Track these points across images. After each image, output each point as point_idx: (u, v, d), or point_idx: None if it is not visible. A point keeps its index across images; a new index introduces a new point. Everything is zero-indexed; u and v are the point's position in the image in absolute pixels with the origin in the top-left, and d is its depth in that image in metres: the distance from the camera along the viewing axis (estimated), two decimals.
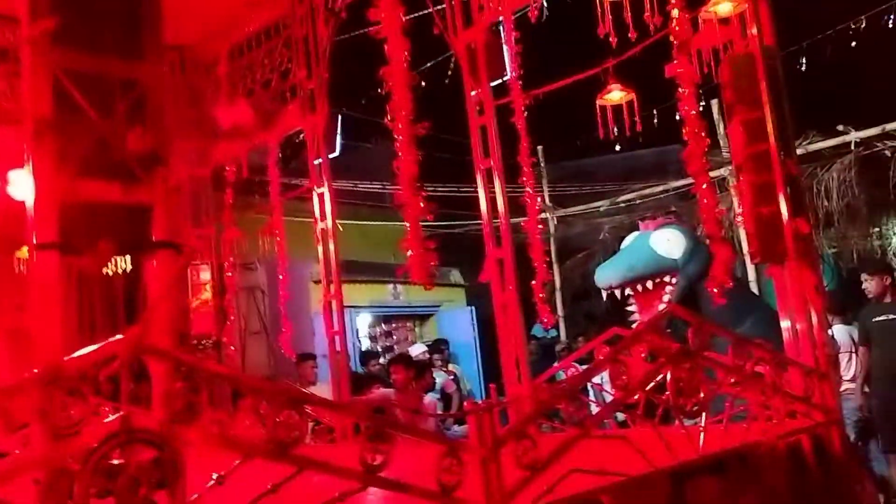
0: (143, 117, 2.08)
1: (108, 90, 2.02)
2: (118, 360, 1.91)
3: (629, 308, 6.58)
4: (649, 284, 6.36)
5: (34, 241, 1.86)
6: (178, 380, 2.00)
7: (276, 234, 7.68)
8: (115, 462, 1.87)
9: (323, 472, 2.25)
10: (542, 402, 2.80)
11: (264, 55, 7.39)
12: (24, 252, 8.64)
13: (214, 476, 2.07)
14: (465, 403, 2.69)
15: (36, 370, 1.86)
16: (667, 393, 3.36)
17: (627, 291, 6.45)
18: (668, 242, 6.49)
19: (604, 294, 6.78)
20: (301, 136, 7.44)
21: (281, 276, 7.81)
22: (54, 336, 1.85)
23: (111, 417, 1.90)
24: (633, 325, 6.49)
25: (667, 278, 6.37)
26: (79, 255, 1.92)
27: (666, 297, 6.27)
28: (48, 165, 1.87)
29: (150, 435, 1.92)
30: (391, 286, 12.76)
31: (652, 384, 3.35)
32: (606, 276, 6.56)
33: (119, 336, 2.01)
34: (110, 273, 7.44)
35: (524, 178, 5.73)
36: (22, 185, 7.12)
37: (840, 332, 6.45)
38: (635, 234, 7.04)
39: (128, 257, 7.27)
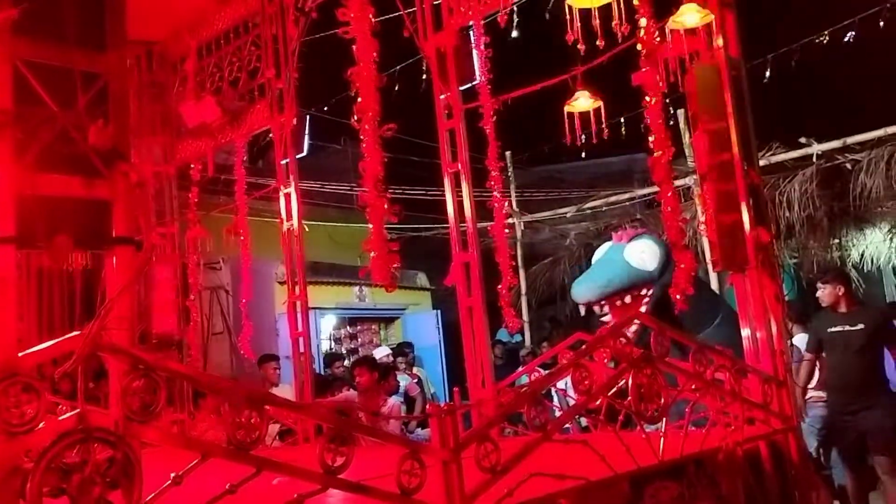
0: (106, 111, 2.04)
1: (69, 82, 1.98)
2: (75, 356, 1.87)
3: (604, 320, 6.61)
4: (627, 299, 6.39)
5: None
6: (135, 378, 1.97)
7: (240, 233, 7.61)
8: (70, 461, 1.84)
9: (282, 473, 2.23)
10: (504, 406, 2.80)
11: (233, 53, 7.32)
12: None
13: (171, 476, 2.04)
14: (427, 406, 2.69)
15: None
16: (628, 398, 3.40)
17: (606, 306, 6.47)
18: (643, 254, 6.53)
19: (582, 309, 6.81)
20: (268, 135, 7.39)
21: (244, 277, 7.74)
22: (9, 331, 1.81)
23: (67, 415, 1.86)
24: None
25: (644, 291, 6.40)
26: (35, 249, 1.88)
27: (642, 309, 6.31)
28: (6, 157, 1.83)
29: (106, 434, 1.89)
30: (356, 288, 12.72)
31: (614, 389, 3.38)
32: (583, 291, 6.57)
33: (76, 332, 1.98)
34: (70, 269, 7.31)
35: (492, 183, 5.75)
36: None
37: (802, 340, 6.55)
38: (608, 245, 7.06)
39: (88, 253, 7.14)
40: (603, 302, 6.44)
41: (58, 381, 2.00)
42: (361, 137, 4.54)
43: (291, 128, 7.08)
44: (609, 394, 3.35)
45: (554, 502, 2.96)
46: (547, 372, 3.45)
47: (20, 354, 1.90)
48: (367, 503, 2.47)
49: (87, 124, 1.98)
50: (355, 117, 4.64)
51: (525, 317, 12.51)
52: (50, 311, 8.43)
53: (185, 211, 8.01)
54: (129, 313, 1.95)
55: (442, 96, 5.75)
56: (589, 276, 6.82)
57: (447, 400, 10.38)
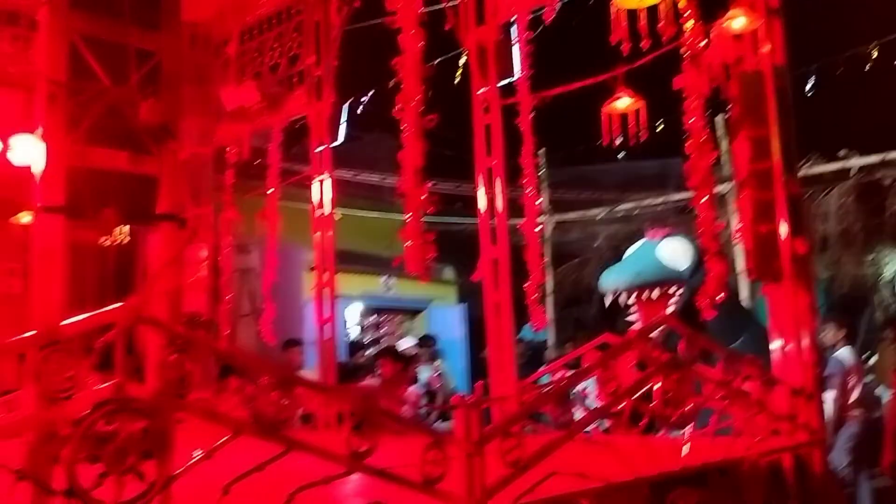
0: (157, 89, 2.07)
1: (123, 58, 2.02)
2: (117, 328, 1.91)
3: (630, 318, 6.60)
4: (654, 293, 6.40)
5: (39, 204, 1.85)
6: (172, 352, 2.00)
7: (270, 217, 7.68)
8: (106, 430, 1.88)
9: (310, 454, 2.26)
10: (529, 403, 2.81)
11: (274, 38, 7.37)
12: (21, 217, 8.62)
13: (199, 452, 2.07)
14: (452, 398, 2.69)
15: (33, 332, 1.86)
16: (653, 402, 3.39)
17: (631, 300, 6.49)
18: (675, 253, 6.53)
19: (608, 298, 6.80)
20: (305, 122, 7.43)
21: (270, 260, 7.81)
22: (54, 298, 1.85)
23: (104, 385, 1.90)
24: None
25: (672, 289, 6.41)
26: (83, 220, 1.93)
27: (670, 309, 6.30)
28: (59, 129, 1.87)
29: (142, 405, 1.93)
30: (383, 279, 12.76)
31: (639, 393, 3.37)
32: (612, 280, 6.60)
33: (117, 304, 2.02)
34: (104, 243, 7.42)
35: (525, 180, 5.74)
36: (22, 150, 7.10)
37: (846, 354, 6.47)
38: (642, 241, 7.08)
39: (125, 228, 7.23)
40: (631, 294, 6.46)
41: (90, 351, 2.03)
42: (403, 127, 4.55)
43: (328, 115, 7.13)
44: (634, 397, 3.35)
45: (574, 502, 2.97)
46: (572, 372, 3.44)
47: (62, 323, 1.94)
48: (387, 490, 2.49)
49: (138, 101, 2.01)
50: (398, 106, 4.65)
51: (550, 316, 12.48)
52: (83, 283, 8.57)
53: (220, 193, 8.09)
54: (169, 289, 1.98)
55: (480, 91, 5.74)
56: (620, 267, 6.85)
57: (469, 394, 10.39)
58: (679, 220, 11.96)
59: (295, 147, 9.18)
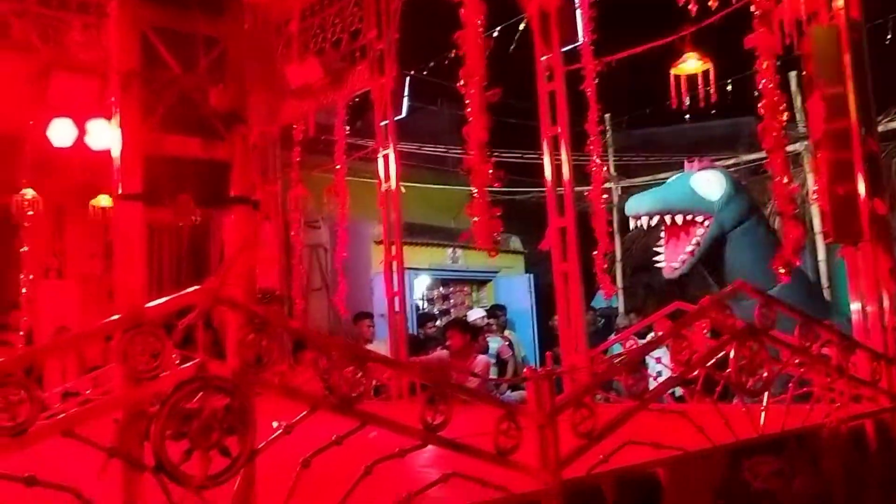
0: (224, 74, 2.12)
1: (191, 46, 2.07)
2: (197, 309, 1.98)
3: (657, 248, 6.59)
4: (678, 219, 6.38)
5: (119, 192, 1.93)
6: (251, 331, 2.06)
7: (339, 194, 7.78)
8: (190, 407, 1.95)
9: (384, 428, 2.30)
10: (602, 372, 2.80)
11: (335, 14, 7.42)
12: (99, 201, 8.94)
13: (278, 424, 2.13)
14: (525, 369, 2.69)
15: (118, 315, 1.94)
16: (728, 370, 3.34)
17: (655, 220, 6.49)
18: (708, 183, 6.49)
19: (632, 223, 6.83)
20: (368, 96, 7.48)
21: (340, 235, 7.93)
22: (137, 283, 1.93)
23: (187, 364, 1.97)
24: (659, 264, 6.56)
25: (699, 218, 6.37)
26: (160, 206, 1.99)
27: (695, 240, 6.31)
28: (134, 117, 1.93)
29: (223, 382, 1.99)
30: (450, 250, 12.81)
31: (713, 361, 3.32)
32: (637, 204, 6.64)
33: (196, 287, 2.09)
34: (178, 227, 7.62)
35: (591, 147, 5.67)
36: (100, 135, 7.34)
37: None
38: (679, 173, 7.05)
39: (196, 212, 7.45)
40: (652, 218, 6.44)
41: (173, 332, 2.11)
42: (466, 102, 4.54)
43: (391, 89, 7.15)
44: (707, 365, 3.30)
45: (650, 471, 2.96)
46: (645, 341, 3.40)
47: (146, 306, 2.01)
48: (462, 462, 2.52)
49: (207, 87, 2.06)
50: (461, 81, 4.63)
51: (619, 283, 12.35)
52: (160, 266, 8.87)
53: (287, 170, 8.23)
54: (246, 269, 2.04)
55: (543, 58, 5.67)
56: (647, 193, 6.88)
57: (538, 364, 10.42)
58: (752, 182, 11.65)
59: (359, 122, 9.26)
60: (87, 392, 6.38)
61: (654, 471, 2.96)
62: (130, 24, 2.00)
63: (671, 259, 6.50)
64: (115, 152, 1.95)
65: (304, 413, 2.12)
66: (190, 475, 1.93)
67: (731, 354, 3.30)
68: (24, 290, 7.85)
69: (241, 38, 2.13)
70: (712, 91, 5.22)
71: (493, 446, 2.47)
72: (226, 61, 2.14)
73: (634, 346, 4.56)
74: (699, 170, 6.74)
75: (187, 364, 2.00)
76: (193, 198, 2.13)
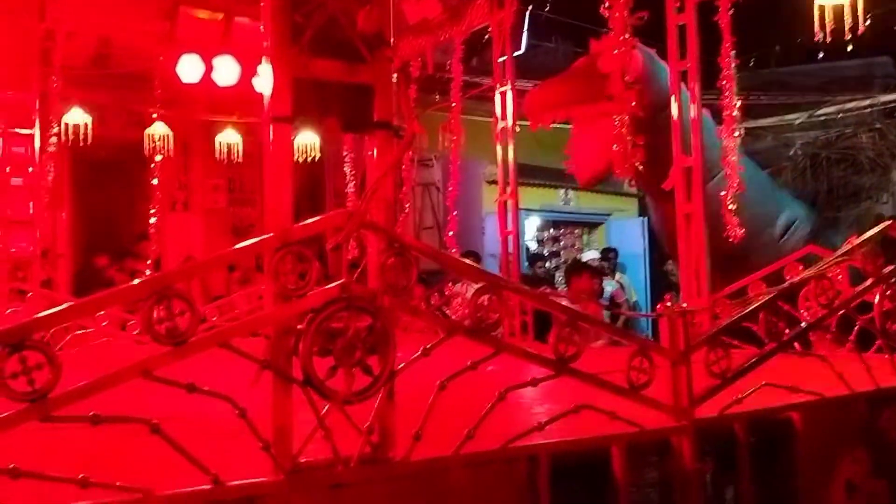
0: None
1: None
2: (345, 230, 2.01)
3: None
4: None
5: (270, 115, 1.96)
6: (391, 255, 2.09)
7: (454, 131, 7.75)
8: (335, 326, 2.00)
9: (519, 357, 2.31)
10: (738, 314, 2.71)
11: None
12: (223, 136, 9.25)
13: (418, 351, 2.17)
14: (659, 306, 2.61)
15: (269, 235, 1.99)
16: (871, 315, 3.17)
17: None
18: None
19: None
20: (486, 33, 7.36)
21: (453, 174, 7.93)
22: (286, 205, 1.97)
23: (332, 285, 2.02)
24: None
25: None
26: (309, 128, 2.01)
27: None
28: (285, 41, 1.95)
29: (367, 303, 2.03)
30: (562, 191, 12.64)
31: (853, 305, 3.16)
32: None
33: (341, 209, 2.12)
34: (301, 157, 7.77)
35: (723, 82, 5.41)
36: (226, 70, 7.54)
37: None
38: None
39: (316, 145, 7.58)
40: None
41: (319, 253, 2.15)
42: (610, 28, 4.38)
43: (510, 25, 7.01)
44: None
45: (784, 415, 2.87)
46: (787, 283, 3.26)
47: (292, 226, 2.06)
48: (592, 394, 2.50)
49: (354, 10, 2.06)
50: (606, 4, 4.47)
51: None
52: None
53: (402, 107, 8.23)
54: (387, 195, 2.06)
55: None
56: None
57: (649, 308, 10.23)
58: (888, 124, 10.91)
59: (474, 59, 9.15)
60: (214, 319, 6.72)
61: (788, 415, 2.87)
62: None
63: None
64: (266, 75, 1.97)
65: (441, 338, 2.14)
66: (335, 390, 1.99)
67: (876, 299, 3.14)
68: (152, 222, 8.26)
69: None
70: (861, 26, 4.84)
71: (626, 381, 2.45)
72: None
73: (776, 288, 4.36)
74: None
75: (332, 285, 2.04)
76: (339, 121, 2.15)
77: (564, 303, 2.70)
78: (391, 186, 2.19)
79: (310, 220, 2.00)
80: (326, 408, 1.98)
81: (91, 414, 1.71)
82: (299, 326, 1.98)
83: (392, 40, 2.07)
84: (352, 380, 2.01)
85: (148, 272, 7.42)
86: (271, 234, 1.97)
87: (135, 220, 9.16)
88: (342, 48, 2.09)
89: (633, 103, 4.90)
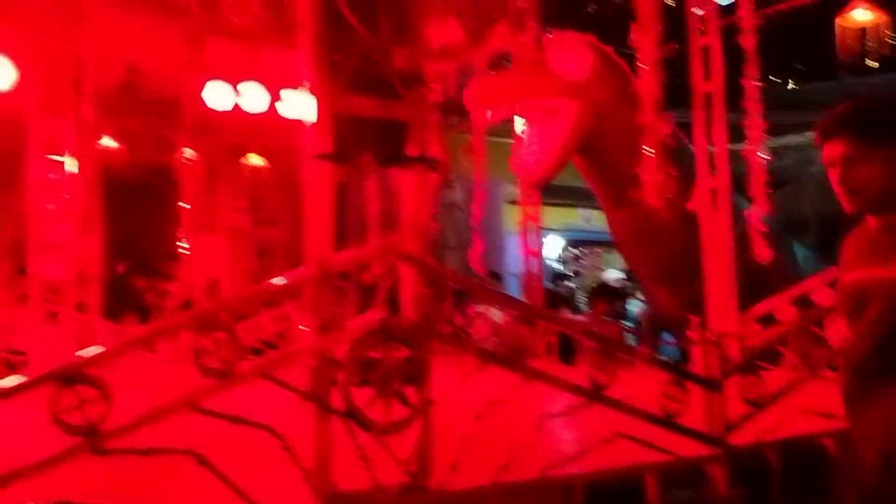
0: (405, 36, 2.16)
1: (373, 8, 2.11)
2: (381, 264, 2.05)
3: None
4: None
5: (310, 152, 2.01)
6: (426, 286, 2.12)
7: (475, 153, 7.78)
8: (373, 356, 2.03)
9: (553, 386, 2.33)
10: (769, 339, 2.72)
11: None
12: (248, 159, 9.37)
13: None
14: (687, 333, 2.62)
15: (309, 268, 2.03)
16: None
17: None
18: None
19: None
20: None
21: (477, 195, 7.95)
22: (327, 237, 2.02)
23: (370, 316, 2.05)
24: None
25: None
26: (346, 165, 2.06)
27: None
28: (323, 81, 2.00)
29: (405, 334, 2.07)
30: (581, 211, 12.64)
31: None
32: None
33: (376, 242, 2.16)
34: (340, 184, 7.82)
35: (748, 103, 5.40)
36: (253, 97, 7.64)
37: None
38: None
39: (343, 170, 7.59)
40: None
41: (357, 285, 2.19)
42: (638, 60, 4.40)
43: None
44: None
45: (818, 442, 2.85)
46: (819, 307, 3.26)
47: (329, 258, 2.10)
48: (625, 422, 2.51)
49: (390, 49, 2.11)
50: (633, 37, 4.49)
51: None
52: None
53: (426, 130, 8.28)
54: (420, 227, 2.10)
55: (696, 10, 5.43)
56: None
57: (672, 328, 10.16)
58: None
59: None
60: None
61: (823, 441, 2.85)
62: None
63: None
64: (307, 114, 2.03)
65: (476, 368, 2.16)
66: (374, 421, 2.02)
67: None
68: (180, 244, 8.37)
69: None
70: (883, 45, 4.85)
71: (659, 409, 2.45)
72: (407, 22, 2.17)
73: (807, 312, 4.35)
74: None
75: (369, 315, 2.08)
76: (375, 156, 2.20)
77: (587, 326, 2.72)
78: (427, 218, 2.23)
79: (347, 252, 2.04)
80: (365, 438, 2.01)
81: (143, 449, 1.75)
82: (338, 357, 2.02)
83: (425, 78, 2.11)
84: (390, 410, 2.04)
85: (176, 292, 7.49)
86: (311, 267, 2.02)
87: (164, 241, 9.29)
88: (379, 86, 2.14)
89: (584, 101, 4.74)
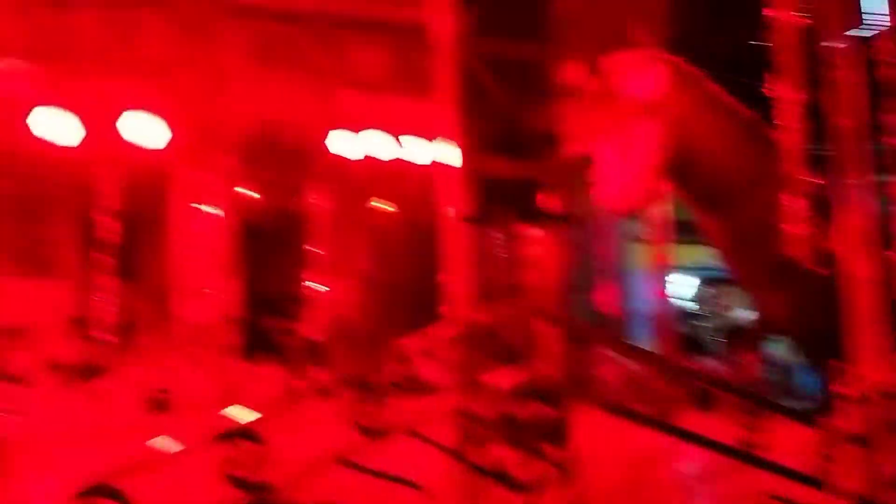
0: (541, 97, 2.20)
1: (511, 70, 2.17)
2: (518, 322, 2.08)
3: None
4: None
5: (454, 213, 2.07)
6: (569, 344, 2.13)
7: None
8: (518, 414, 2.05)
9: (700, 447, 2.27)
10: None
11: None
12: (374, 202, 9.65)
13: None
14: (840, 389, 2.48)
15: (450, 327, 2.08)
16: None
17: None
18: None
19: None
20: None
21: (604, 235, 7.86)
22: (467, 295, 2.06)
23: (514, 374, 2.08)
24: None
25: None
26: (487, 226, 2.11)
27: None
28: (467, 143, 2.07)
29: (547, 392, 2.07)
30: (710, 248, 12.24)
31: None
32: None
33: (511, 301, 2.19)
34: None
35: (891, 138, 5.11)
36: (378, 145, 7.87)
37: None
38: None
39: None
40: None
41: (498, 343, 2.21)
42: (778, 107, 4.25)
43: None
44: None
45: None
46: None
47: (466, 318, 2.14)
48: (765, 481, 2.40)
49: (528, 110, 2.16)
50: (768, 86, 4.34)
51: None
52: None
53: None
54: (556, 283, 2.12)
55: (827, 44, 5.22)
56: None
57: (812, 371, 9.62)
58: None
59: None
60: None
61: None
62: (455, 54, 2.14)
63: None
64: (441, 171, 2.09)
65: (625, 426, 2.14)
66: (519, 479, 2.03)
67: None
68: (306, 286, 8.66)
69: (555, 61, 2.20)
70: None
71: (814, 470, 2.34)
72: (542, 84, 2.22)
73: None
74: None
75: (510, 374, 2.10)
76: (513, 215, 2.24)
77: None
78: (563, 274, 2.25)
79: (487, 310, 2.08)
80: (510, 497, 2.02)
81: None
82: (484, 414, 2.04)
83: (559, 137, 2.15)
84: (534, 469, 2.05)
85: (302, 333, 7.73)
86: (454, 325, 2.06)
87: (292, 284, 9.62)
88: (519, 146, 2.19)
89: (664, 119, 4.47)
